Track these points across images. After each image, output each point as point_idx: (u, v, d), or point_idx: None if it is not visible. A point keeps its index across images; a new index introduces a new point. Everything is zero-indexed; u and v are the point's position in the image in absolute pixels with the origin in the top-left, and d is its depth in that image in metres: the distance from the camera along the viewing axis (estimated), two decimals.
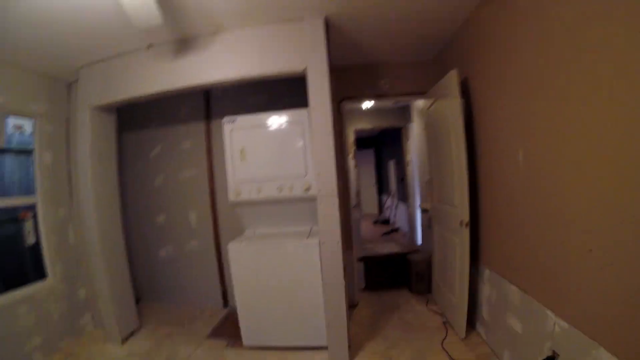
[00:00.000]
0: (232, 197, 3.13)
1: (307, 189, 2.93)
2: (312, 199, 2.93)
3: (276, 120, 3.04)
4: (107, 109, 3.40)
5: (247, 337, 3.08)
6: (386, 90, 3.82)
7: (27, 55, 3.03)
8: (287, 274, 2.90)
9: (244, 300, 3.01)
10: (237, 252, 2.95)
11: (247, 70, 2.79)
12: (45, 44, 2.86)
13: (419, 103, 4.72)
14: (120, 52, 3.11)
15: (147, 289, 4.52)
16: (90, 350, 3.35)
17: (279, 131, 3.04)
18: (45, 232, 3.45)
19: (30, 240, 3.38)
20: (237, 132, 3.09)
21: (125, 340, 3.46)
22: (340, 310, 2.74)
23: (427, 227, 4.64)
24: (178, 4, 2.43)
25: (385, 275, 4.38)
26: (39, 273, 3.48)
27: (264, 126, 3.07)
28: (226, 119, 3.12)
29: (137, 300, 4.36)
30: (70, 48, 2.96)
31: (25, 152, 5.37)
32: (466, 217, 2.75)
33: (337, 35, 2.92)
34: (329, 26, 2.75)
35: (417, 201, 5.59)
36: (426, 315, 3.51)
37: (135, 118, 4.30)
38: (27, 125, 4.07)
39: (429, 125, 3.69)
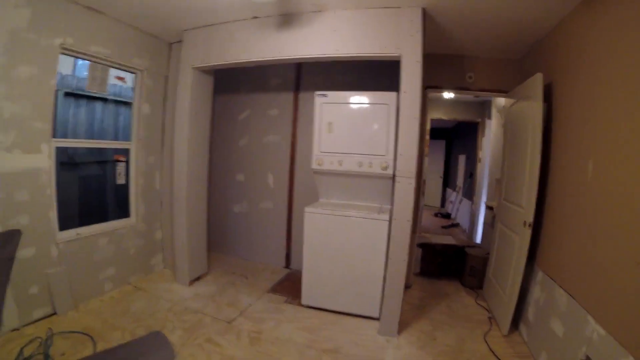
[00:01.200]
0: (314, 165, 3.31)
1: (385, 168, 3.07)
2: (387, 178, 3.07)
3: (364, 100, 3.16)
4: (206, 71, 3.67)
5: (306, 296, 3.30)
6: (470, 84, 3.84)
7: (134, 13, 3.28)
8: (353, 244, 3.07)
9: (310, 262, 3.23)
10: (312, 217, 3.16)
11: (344, 49, 2.91)
12: (153, 4, 3.08)
13: (500, 101, 4.70)
14: (225, 20, 3.33)
15: (218, 240, 4.89)
16: (158, 287, 3.69)
17: (365, 110, 3.16)
18: (134, 175, 3.81)
19: (120, 180, 3.76)
20: (327, 106, 3.24)
21: (192, 282, 3.79)
22: (398, 286, 2.85)
23: (489, 224, 4.63)
24: None
25: (440, 264, 4.46)
26: (124, 211, 3.88)
27: (353, 104, 3.19)
28: (318, 93, 3.27)
29: (207, 249, 4.75)
30: (178, 10, 3.17)
31: (123, 102, 5.90)
32: (530, 218, 2.79)
33: (430, 24, 2.97)
34: (424, 15, 2.84)
35: (483, 198, 5.58)
36: (473, 308, 3.56)
37: (228, 82, 4.58)
38: (129, 78, 4.48)
39: (507, 124, 3.69)
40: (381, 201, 3.36)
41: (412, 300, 3.69)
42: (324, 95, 3.26)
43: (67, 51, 3.06)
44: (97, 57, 3.32)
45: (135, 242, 3.82)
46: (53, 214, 2.99)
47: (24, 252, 2.73)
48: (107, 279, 3.48)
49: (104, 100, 5.63)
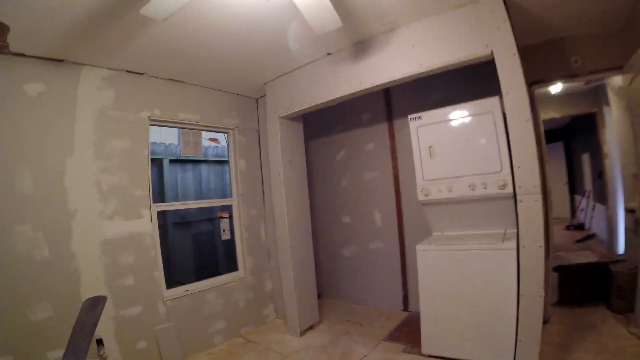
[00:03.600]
0: (420, 196, 3.02)
1: (503, 186, 2.64)
2: (508, 198, 2.63)
3: (463, 113, 2.83)
4: (293, 117, 3.69)
5: (427, 344, 2.90)
6: (577, 68, 3.26)
7: (214, 79, 3.48)
8: (476, 281, 2.64)
9: (428, 306, 2.86)
10: (425, 255, 2.83)
11: (428, 62, 2.67)
12: (233, 67, 3.23)
13: (616, 80, 3.93)
14: (301, 64, 3.35)
15: (329, 286, 4.76)
16: (269, 338, 3.61)
17: (467, 124, 2.82)
18: (238, 229, 3.91)
19: (225, 236, 3.87)
20: (424, 129, 2.98)
21: (303, 332, 3.64)
22: (535, 326, 2.36)
23: (632, 231, 3.82)
24: (352, 9, 2.46)
25: (580, 288, 3.71)
26: (231, 265, 3.97)
27: (451, 120, 2.88)
28: (411, 116, 3.04)
29: (319, 296, 4.60)
30: (254, 66, 3.28)
31: (219, 162, 6.38)
32: None
33: (514, 11, 2.59)
34: (506, 4, 2.48)
35: (620, 200, 4.67)
36: (625, 339, 2.85)
37: (320, 126, 4.64)
38: (222, 138, 4.77)
39: (633, 105, 3.02)
40: (505, 225, 2.89)
41: (551, 337, 3.04)
42: (418, 118, 3.01)
43: (156, 122, 3.31)
44: (186, 123, 3.54)
45: (245, 295, 3.84)
46: (159, 274, 3.16)
47: (130, 310, 2.90)
48: (216, 333, 3.52)
49: (206, 162, 6.14)
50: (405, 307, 4.08)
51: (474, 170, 2.78)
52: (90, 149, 2.85)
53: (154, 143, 5.77)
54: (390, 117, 4.08)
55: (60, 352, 2.22)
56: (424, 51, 2.70)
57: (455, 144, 2.87)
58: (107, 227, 2.87)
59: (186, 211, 5.73)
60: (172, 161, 6.03)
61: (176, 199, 5.89)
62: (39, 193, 2.57)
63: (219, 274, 3.80)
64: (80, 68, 2.83)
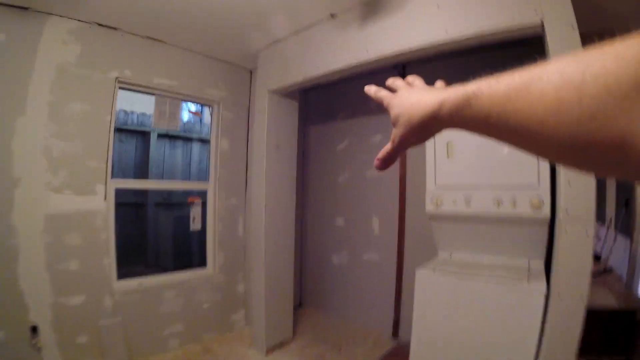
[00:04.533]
0: (429, 207, 2.37)
1: (538, 207, 1.99)
2: (542, 223, 2.01)
3: None
4: (287, 93, 3.06)
5: None
6: None
7: (198, 39, 2.96)
8: (485, 324, 2.00)
9: (421, 343, 2.24)
10: (425, 280, 2.19)
11: (456, 29, 1.98)
12: (221, 26, 2.70)
13: None
14: (299, 28, 2.72)
15: (312, 294, 4.20)
16: (230, 350, 3.11)
17: None
18: (212, 219, 3.34)
19: (195, 226, 3.31)
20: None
21: (271, 350, 3.08)
22: None
23: None
24: None
25: (601, 336, 3.05)
26: (199, 260, 3.46)
27: None
28: None
29: (299, 304, 4.14)
30: (247, 29, 2.73)
31: (199, 140, 5.78)
32: None
33: None
34: None
35: None
36: None
37: (323, 109, 4.03)
38: (206, 113, 4.21)
39: None
40: (529, 254, 2.25)
41: None
42: None
43: (125, 85, 2.83)
44: (161, 90, 3.02)
45: (211, 296, 3.30)
46: (109, 262, 2.71)
47: (72, 299, 2.53)
48: (172, 336, 3.04)
49: (201, 141, 5.59)
50: (396, 333, 3.45)
51: (501, 180, 2.14)
52: (44, 109, 2.44)
53: (143, 114, 5.24)
54: None
55: None
56: (452, 13, 2.02)
57: (480, 143, 2.21)
58: (54, 201, 2.48)
59: (171, 191, 5.19)
60: (161, 136, 5.51)
61: (161, 177, 5.37)
62: None
63: (184, 268, 3.25)
64: (46, 18, 2.44)
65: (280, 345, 3.18)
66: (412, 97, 0.53)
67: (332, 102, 3.95)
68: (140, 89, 2.97)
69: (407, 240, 3.40)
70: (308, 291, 4.21)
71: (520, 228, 2.16)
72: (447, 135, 2.32)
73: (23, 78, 2.36)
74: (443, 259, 2.44)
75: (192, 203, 3.28)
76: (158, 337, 2.96)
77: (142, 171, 5.23)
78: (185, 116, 5.53)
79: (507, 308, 1.93)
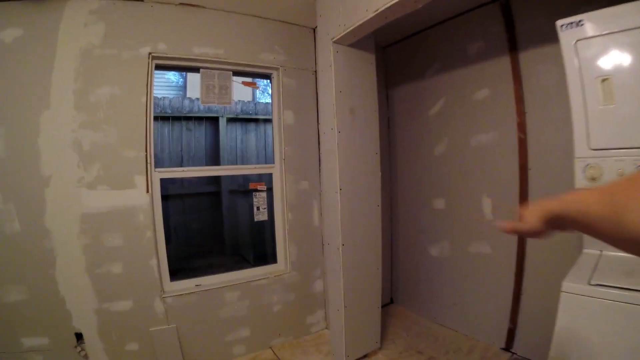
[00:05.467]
0: (580, 182, 1.58)
1: None
2: None
3: None
4: (356, 42, 2.39)
5: None
6: None
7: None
8: None
9: None
10: (577, 301, 1.44)
11: None
12: None
13: None
14: None
15: (404, 291, 3.57)
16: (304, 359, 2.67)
17: None
18: (280, 207, 2.88)
19: (260, 216, 2.86)
20: (590, 44, 1.53)
21: None
22: None
23: None
24: None
25: None
26: (266, 256, 3.06)
27: None
28: (563, 22, 1.58)
29: (390, 302, 3.60)
30: None
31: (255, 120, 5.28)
32: None
33: None
34: None
35: None
36: None
37: (407, 65, 3.32)
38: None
39: None
40: None
41: None
42: (578, 24, 1.54)
43: (162, 60, 2.46)
44: (204, 61, 2.59)
45: (283, 296, 2.87)
46: (156, 262, 2.40)
47: (118, 305, 2.30)
48: (237, 342, 2.69)
49: (263, 121, 5.17)
50: (509, 345, 2.68)
51: None
52: (69, 99, 2.19)
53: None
54: (513, 46, 2.52)
55: (36, 340, 2.10)
56: None
57: None
58: (88, 198, 2.23)
59: (247, 177, 4.88)
60: (231, 120, 5.20)
61: (234, 163, 5.09)
62: (10, 156, 2.09)
63: (249, 266, 2.85)
64: (64, 3, 2.19)
65: (365, 358, 2.63)
66: (536, 205, 0.62)
67: (417, 56, 3.18)
68: (180, 63, 2.57)
69: None
70: (401, 287, 3.57)
71: None
72: (601, 68, 1.51)
73: (45, 70, 2.14)
74: (596, 261, 1.62)
75: (255, 190, 2.82)
76: (220, 343, 2.62)
77: (213, 159, 4.99)
78: (249, 94, 5.15)
79: None
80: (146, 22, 2.39)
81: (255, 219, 2.83)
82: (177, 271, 2.69)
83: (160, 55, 2.42)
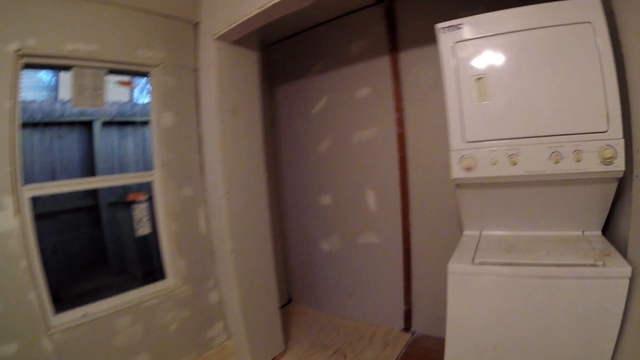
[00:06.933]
0: (457, 172, 1.71)
1: (610, 158, 1.39)
2: (610, 180, 1.47)
3: (538, 21, 1.54)
4: (240, 39, 2.33)
5: None
6: None
7: None
8: (549, 327, 1.41)
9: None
10: (463, 282, 1.56)
11: None
12: None
13: None
14: None
15: (302, 289, 3.59)
16: None
17: (544, 42, 1.55)
18: (163, 218, 2.65)
19: (142, 229, 2.61)
20: (467, 47, 1.67)
21: None
22: None
23: None
24: None
25: None
26: (154, 273, 2.80)
27: (519, 33, 1.59)
28: (443, 25, 1.71)
29: (288, 301, 3.63)
30: None
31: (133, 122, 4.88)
32: None
33: None
34: None
35: None
36: None
37: (291, 63, 3.33)
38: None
39: None
40: (584, 225, 1.70)
41: None
42: (457, 28, 1.68)
43: (32, 58, 2.08)
44: (77, 58, 2.26)
45: (177, 314, 2.64)
46: (37, 295, 2.02)
47: (1, 350, 1.89)
48: None
49: (140, 123, 4.74)
50: (408, 326, 2.90)
51: (557, 128, 1.53)
52: None
53: None
54: (394, 47, 2.70)
55: None
56: None
57: (523, 77, 1.60)
58: None
59: (127, 187, 4.41)
60: (107, 124, 4.65)
61: (111, 172, 4.56)
62: None
63: (137, 285, 2.57)
64: None
65: None
66: None
67: (301, 55, 3.23)
68: (51, 61, 2.21)
69: (414, 215, 2.78)
70: (298, 285, 3.60)
71: (582, 190, 1.58)
72: (477, 68, 1.67)
73: None
74: (476, 242, 1.80)
75: (133, 202, 2.55)
76: None
77: (89, 168, 4.41)
78: (126, 95, 4.67)
79: (578, 303, 1.37)
80: (13, 14, 1.98)
81: (137, 234, 2.56)
82: (61, 300, 2.31)
83: (30, 52, 2.03)
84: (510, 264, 1.48)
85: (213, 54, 2.23)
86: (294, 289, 3.63)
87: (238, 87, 2.36)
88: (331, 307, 3.33)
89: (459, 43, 1.68)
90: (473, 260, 1.57)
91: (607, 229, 1.65)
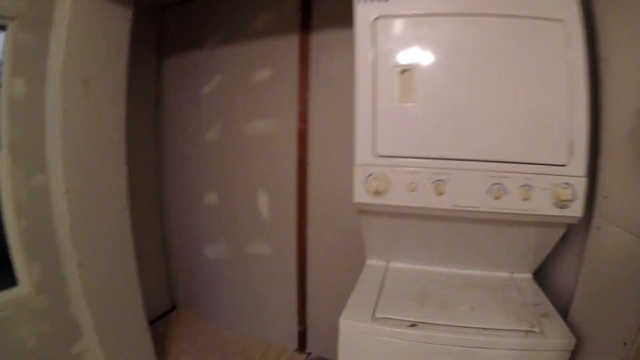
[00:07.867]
0: (360, 195, 1.30)
1: (566, 201, 1.10)
2: (561, 225, 1.21)
3: (497, 9, 1.17)
4: None
5: None
6: None
7: None
8: None
9: None
10: (360, 341, 1.20)
11: None
12: None
13: None
14: None
15: (187, 295, 3.15)
16: None
17: (500, 38, 1.19)
18: (12, 213, 2.07)
19: None
20: (393, 25, 1.24)
21: None
22: None
23: None
24: None
25: None
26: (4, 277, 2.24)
27: (467, 19, 1.21)
28: None
29: (172, 308, 3.16)
30: None
31: None
32: None
33: None
34: None
35: None
36: None
37: (185, 35, 2.75)
38: None
39: None
40: (514, 267, 1.45)
41: None
42: None
43: None
44: None
45: (34, 328, 2.12)
46: None
47: None
48: None
49: None
50: (302, 346, 2.59)
51: (503, 152, 1.20)
52: None
53: None
54: (306, 25, 2.25)
55: None
56: None
57: (466, 77, 1.21)
58: None
59: None
60: None
61: None
62: None
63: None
64: None
65: None
66: None
67: (197, 23, 2.67)
68: None
69: (313, 227, 2.42)
70: (182, 291, 3.15)
71: (520, 232, 1.30)
72: (403, 56, 1.25)
73: None
74: (380, 281, 1.43)
75: None
76: None
77: None
78: None
79: None
80: None
81: None
82: None
83: None
84: (423, 324, 1.14)
85: (66, 9, 1.67)
86: (178, 295, 3.17)
87: (96, 51, 1.79)
88: (220, 318, 2.93)
89: (382, 19, 1.24)
90: (374, 314, 1.20)
91: (539, 272, 1.42)
